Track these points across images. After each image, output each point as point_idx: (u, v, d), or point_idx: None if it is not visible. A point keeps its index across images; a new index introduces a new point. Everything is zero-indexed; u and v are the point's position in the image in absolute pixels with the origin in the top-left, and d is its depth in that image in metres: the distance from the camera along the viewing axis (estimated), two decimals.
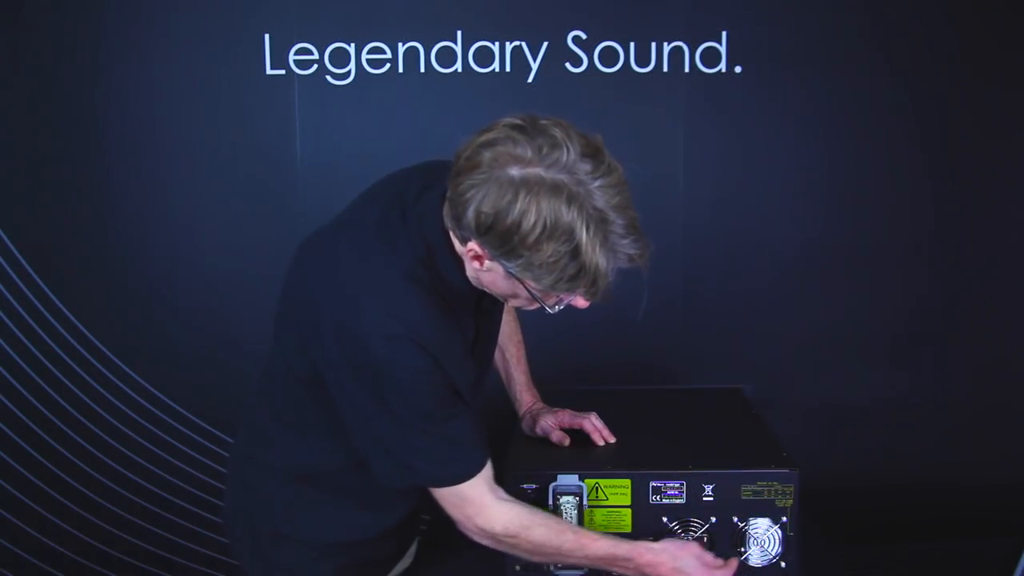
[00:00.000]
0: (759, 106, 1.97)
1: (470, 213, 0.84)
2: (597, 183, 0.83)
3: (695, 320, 2.04)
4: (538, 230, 0.82)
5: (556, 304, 0.91)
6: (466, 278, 0.96)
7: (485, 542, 1.03)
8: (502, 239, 0.84)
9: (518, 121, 0.85)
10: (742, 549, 1.12)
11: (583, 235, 0.82)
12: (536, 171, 0.82)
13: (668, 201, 1.99)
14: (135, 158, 1.93)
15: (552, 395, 1.33)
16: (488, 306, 1.05)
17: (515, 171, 0.83)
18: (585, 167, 0.83)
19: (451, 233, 0.93)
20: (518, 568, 1.12)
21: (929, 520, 2.11)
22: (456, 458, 0.98)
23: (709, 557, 1.04)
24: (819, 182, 2.02)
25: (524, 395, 1.32)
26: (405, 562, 1.24)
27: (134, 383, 2.00)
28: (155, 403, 2.00)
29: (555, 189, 0.82)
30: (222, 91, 1.90)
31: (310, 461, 1.08)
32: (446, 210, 0.90)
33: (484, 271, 0.91)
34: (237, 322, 1.94)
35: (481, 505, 0.99)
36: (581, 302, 0.90)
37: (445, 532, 1.20)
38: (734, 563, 1.06)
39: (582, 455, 1.20)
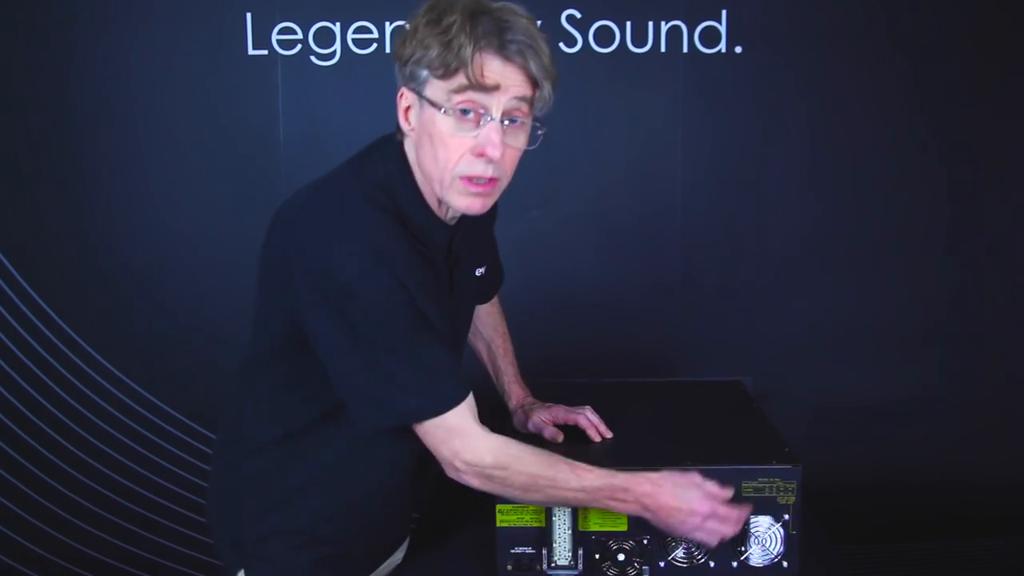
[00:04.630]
0: (760, 88, 1.94)
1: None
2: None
3: (694, 310, 2.02)
4: (418, 18, 0.94)
5: (462, 105, 0.93)
6: (427, 206, 1.00)
7: (474, 482, 1.00)
8: (401, 48, 0.95)
9: None
10: (742, 548, 1.09)
11: (451, 16, 0.92)
12: None
13: (666, 186, 1.97)
14: (112, 143, 1.90)
15: (544, 389, 1.31)
16: (460, 251, 1.06)
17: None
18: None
19: (402, 138, 1.00)
20: (509, 568, 1.09)
21: (936, 519, 2.10)
22: (435, 388, 0.96)
23: (713, 487, 1.01)
24: (824, 168, 2.00)
25: (513, 387, 1.30)
26: (396, 556, 1.22)
27: (113, 378, 1.98)
28: (137, 399, 1.98)
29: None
30: (202, 73, 1.87)
31: (286, 441, 1.07)
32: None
33: (412, 128, 0.97)
34: (222, 313, 1.92)
35: (468, 436, 0.97)
36: (494, 135, 0.93)
37: (436, 531, 1.22)
38: (746, 509, 1.03)
39: (577, 452, 1.17)
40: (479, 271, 1.16)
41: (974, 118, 1.99)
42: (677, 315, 2.00)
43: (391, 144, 1.01)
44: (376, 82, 1.88)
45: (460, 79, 0.92)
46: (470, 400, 0.98)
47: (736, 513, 1.02)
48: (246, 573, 1.09)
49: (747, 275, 2.01)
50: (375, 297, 0.92)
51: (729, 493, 1.02)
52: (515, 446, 1.00)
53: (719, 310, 2.02)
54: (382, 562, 1.19)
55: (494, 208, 1.18)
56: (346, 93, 1.89)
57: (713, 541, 1.02)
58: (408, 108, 0.97)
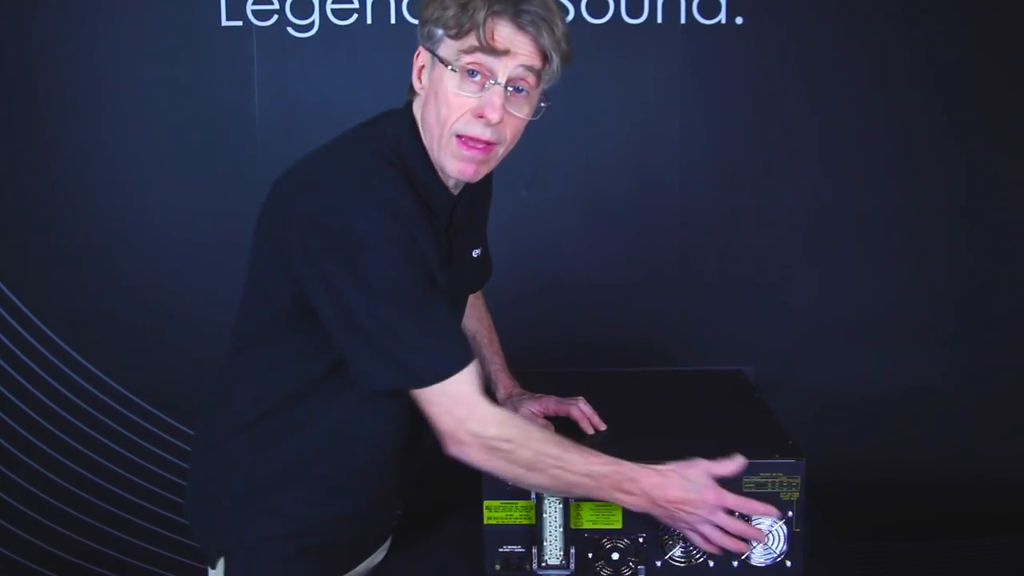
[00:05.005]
0: (762, 61, 1.92)
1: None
2: None
3: (693, 296, 2.00)
4: None
5: (470, 66, 0.97)
6: (434, 169, 1.03)
7: (478, 456, 0.98)
8: (423, 9, 1.00)
9: None
10: None
11: None
12: None
13: (663, 165, 1.94)
14: (77, 119, 1.88)
15: (536, 378, 1.28)
16: (460, 223, 1.09)
17: None
18: None
19: (412, 98, 1.05)
20: (497, 567, 1.06)
21: (946, 516, 2.07)
22: (443, 348, 0.97)
23: (720, 467, 1.01)
24: (829, 147, 1.96)
25: (500, 377, 1.28)
26: (378, 556, 1.20)
27: (82, 369, 1.95)
28: (106, 391, 1.96)
29: None
30: (174, 45, 1.86)
31: (271, 417, 1.06)
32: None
33: (423, 86, 1.02)
34: (199, 302, 1.91)
35: (472, 404, 0.97)
36: (496, 98, 0.97)
37: (420, 528, 1.20)
38: (766, 508, 1.02)
39: None
40: (475, 252, 1.17)
41: (990, 94, 1.94)
42: (675, 301, 1.99)
43: (398, 111, 1.06)
44: (356, 54, 1.86)
45: (471, 40, 0.96)
46: (476, 367, 0.98)
47: (743, 527, 1.01)
48: (226, 561, 1.07)
49: (749, 260, 1.99)
50: (387, 249, 0.94)
51: (739, 465, 1.00)
52: (521, 420, 1.03)
53: (719, 296, 2.00)
54: (366, 556, 1.17)
55: (489, 191, 1.19)
56: (324, 66, 1.87)
57: (712, 544, 1.01)
58: (422, 68, 1.02)
